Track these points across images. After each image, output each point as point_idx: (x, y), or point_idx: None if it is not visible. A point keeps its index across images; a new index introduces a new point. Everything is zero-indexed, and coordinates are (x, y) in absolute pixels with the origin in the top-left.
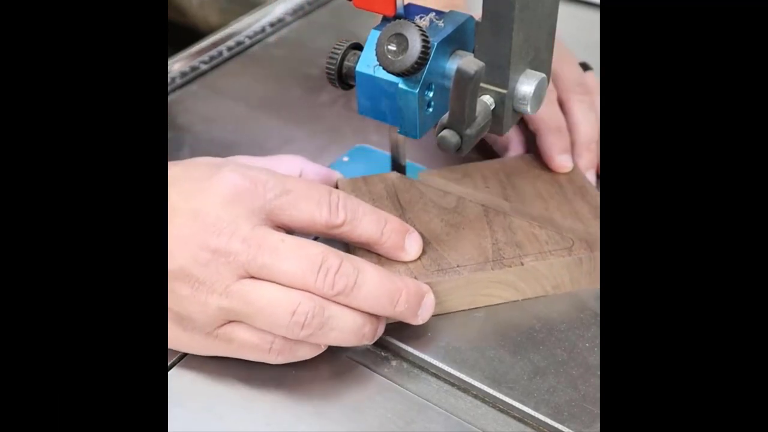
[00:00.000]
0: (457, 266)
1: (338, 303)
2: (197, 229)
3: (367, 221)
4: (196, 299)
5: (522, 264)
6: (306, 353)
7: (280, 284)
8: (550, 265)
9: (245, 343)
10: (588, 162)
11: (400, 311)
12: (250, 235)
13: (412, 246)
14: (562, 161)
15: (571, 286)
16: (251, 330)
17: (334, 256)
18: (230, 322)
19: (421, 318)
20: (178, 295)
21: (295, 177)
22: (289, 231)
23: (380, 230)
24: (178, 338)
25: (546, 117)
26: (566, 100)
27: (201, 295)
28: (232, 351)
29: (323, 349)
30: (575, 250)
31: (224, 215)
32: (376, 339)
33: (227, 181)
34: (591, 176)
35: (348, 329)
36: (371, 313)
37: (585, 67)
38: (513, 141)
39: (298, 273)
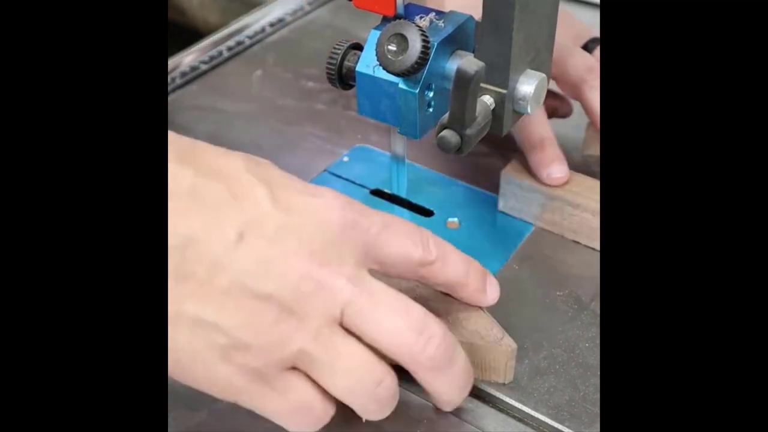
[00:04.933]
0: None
1: (422, 376)
2: (301, 253)
3: (455, 259)
4: (278, 331)
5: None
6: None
7: (370, 345)
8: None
9: (305, 402)
10: None
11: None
12: (353, 273)
13: (493, 290)
14: (549, 174)
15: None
16: (315, 389)
17: (435, 322)
18: (295, 369)
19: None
20: (253, 322)
21: (385, 212)
22: (380, 268)
23: (467, 270)
24: (216, 372)
25: (525, 134)
26: (580, 87)
27: (285, 329)
28: (276, 405)
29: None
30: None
31: (330, 246)
32: None
33: (334, 208)
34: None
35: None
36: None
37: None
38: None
39: (397, 329)
